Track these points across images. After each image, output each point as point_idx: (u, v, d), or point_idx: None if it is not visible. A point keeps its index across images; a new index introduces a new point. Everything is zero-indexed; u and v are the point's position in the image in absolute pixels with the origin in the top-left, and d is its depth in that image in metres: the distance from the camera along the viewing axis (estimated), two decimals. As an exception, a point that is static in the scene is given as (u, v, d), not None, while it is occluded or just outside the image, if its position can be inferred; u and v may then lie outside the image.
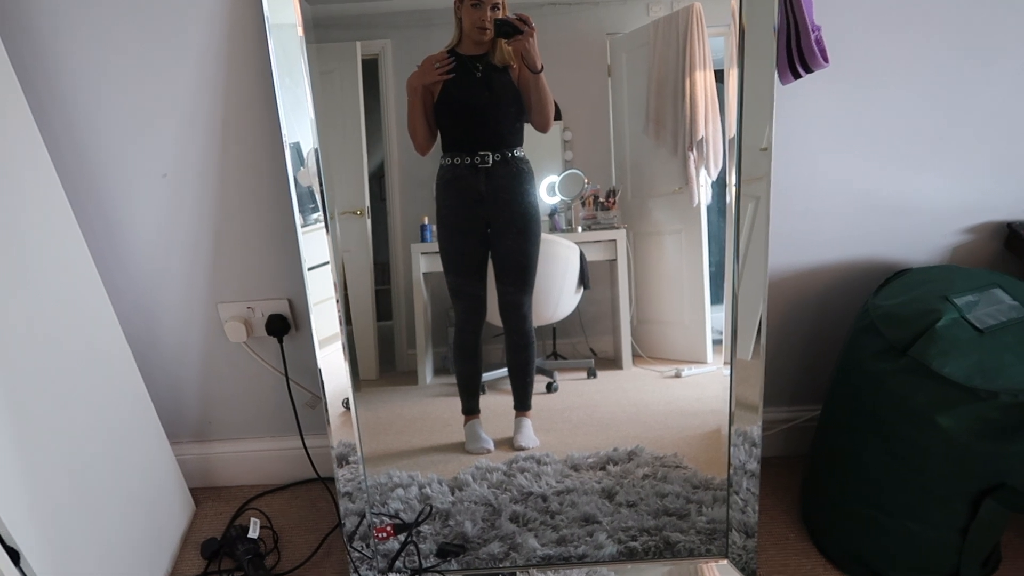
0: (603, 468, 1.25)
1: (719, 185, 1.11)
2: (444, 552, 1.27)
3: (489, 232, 1.15)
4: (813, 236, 1.28)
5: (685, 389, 1.21)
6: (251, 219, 1.24)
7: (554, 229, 1.15)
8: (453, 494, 1.25)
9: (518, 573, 1.27)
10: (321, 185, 1.09)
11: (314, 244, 1.10)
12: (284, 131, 1.05)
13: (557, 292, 1.17)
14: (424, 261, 1.16)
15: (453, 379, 1.22)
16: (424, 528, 1.26)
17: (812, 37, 0.97)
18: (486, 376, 1.22)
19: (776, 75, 1.02)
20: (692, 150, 1.11)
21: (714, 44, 1.06)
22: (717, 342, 1.18)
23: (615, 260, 1.16)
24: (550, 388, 1.23)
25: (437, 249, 1.15)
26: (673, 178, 1.13)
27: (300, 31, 1.03)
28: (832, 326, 1.39)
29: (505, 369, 1.22)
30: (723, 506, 1.24)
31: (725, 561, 1.27)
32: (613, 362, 1.21)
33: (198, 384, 1.46)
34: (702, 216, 1.14)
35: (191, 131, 1.15)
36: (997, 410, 0.99)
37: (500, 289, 1.17)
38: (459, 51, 1.08)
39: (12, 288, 0.98)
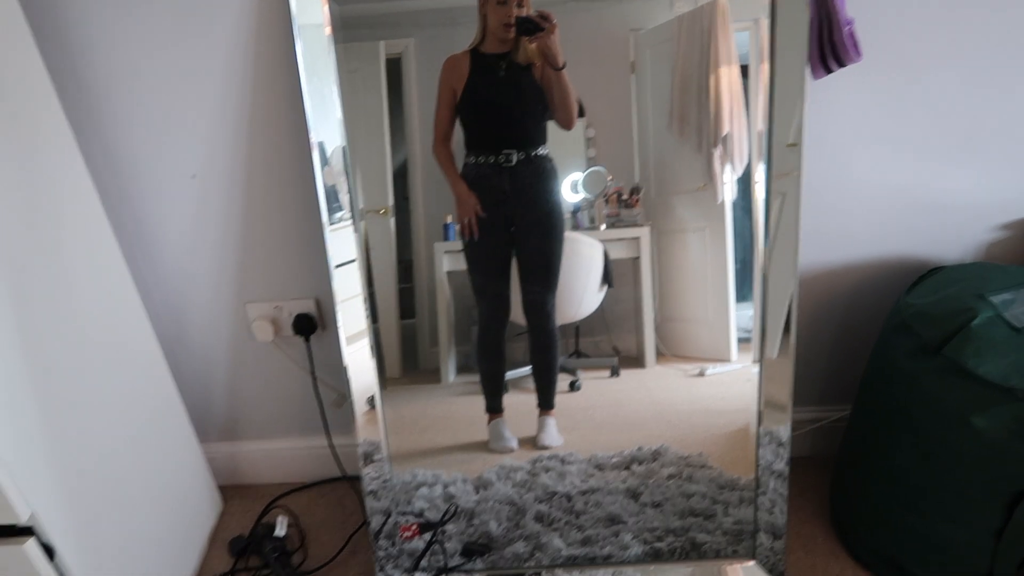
0: (627, 467, 1.24)
1: (743, 181, 1.10)
2: (469, 551, 1.27)
3: (513, 231, 1.15)
4: (844, 232, 1.26)
5: (709, 388, 1.19)
6: (277, 219, 1.26)
7: (577, 227, 1.15)
8: (477, 493, 1.25)
9: (543, 573, 1.26)
10: (349, 183, 1.10)
11: (339, 243, 1.11)
12: (312, 130, 1.06)
13: (580, 290, 1.17)
14: (447, 259, 1.17)
15: (476, 377, 1.22)
16: (449, 527, 1.27)
17: (845, 31, 0.96)
18: (509, 375, 1.22)
19: (808, 69, 1.01)
20: (717, 146, 1.09)
21: (739, 39, 1.05)
22: (742, 340, 1.17)
23: (638, 258, 1.16)
24: (573, 386, 1.22)
25: (460, 248, 1.15)
26: (697, 175, 1.12)
27: (328, 30, 1.04)
28: (863, 325, 1.36)
29: (528, 368, 1.21)
30: (749, 507, 1.23)
31: (752, 563, 1.25)
32: (636, 360, 1.20)
33: (226, 383, 1.48)
34: (726, 213, 1.13)
35: (219, 131, 1.17)
36: (1034, 410, 0.97)
37: (524, 288, 1.17)
38: (482, 49, 1.08)
39: (48, 288, 1.01)
